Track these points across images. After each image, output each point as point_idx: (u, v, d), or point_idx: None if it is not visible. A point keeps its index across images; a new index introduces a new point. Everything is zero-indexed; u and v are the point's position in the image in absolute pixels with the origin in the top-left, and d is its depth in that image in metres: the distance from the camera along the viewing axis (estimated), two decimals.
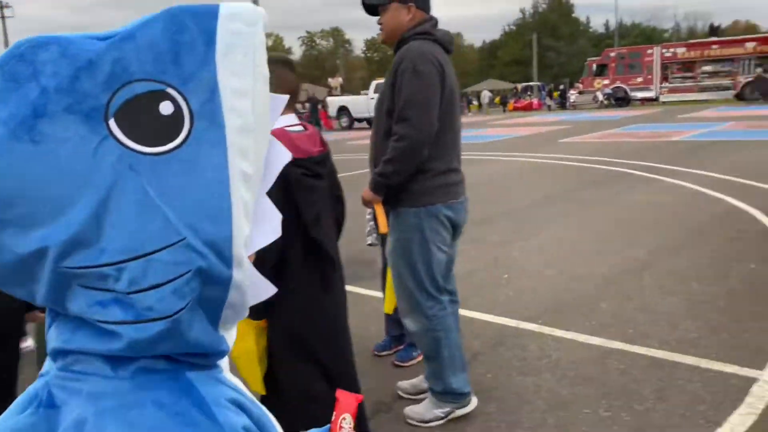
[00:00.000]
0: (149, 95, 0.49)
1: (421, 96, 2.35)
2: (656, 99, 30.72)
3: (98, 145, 0.48)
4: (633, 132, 15.69)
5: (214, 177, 0.51)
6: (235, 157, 0.52)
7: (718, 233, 5.35)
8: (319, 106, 27.92)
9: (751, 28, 65.45)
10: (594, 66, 32.42)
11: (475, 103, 40.72)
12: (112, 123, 0.48)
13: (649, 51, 31.03)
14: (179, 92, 0.50)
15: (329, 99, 28.86)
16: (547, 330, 3.51)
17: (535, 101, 37.98)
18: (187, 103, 0.50)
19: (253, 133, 0.54)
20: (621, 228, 5.78)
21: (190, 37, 0.51)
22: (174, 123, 0.50)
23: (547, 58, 63.33)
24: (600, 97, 31.17)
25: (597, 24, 74.26)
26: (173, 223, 0.49)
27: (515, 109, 37.24)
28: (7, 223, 0.48)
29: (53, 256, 0.48)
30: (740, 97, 27.07)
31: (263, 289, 0.60)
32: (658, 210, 6.44)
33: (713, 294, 3.88)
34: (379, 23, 2.58)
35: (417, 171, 2.42)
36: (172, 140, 0.50)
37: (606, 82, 31.51)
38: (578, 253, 5.07)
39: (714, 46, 29.84)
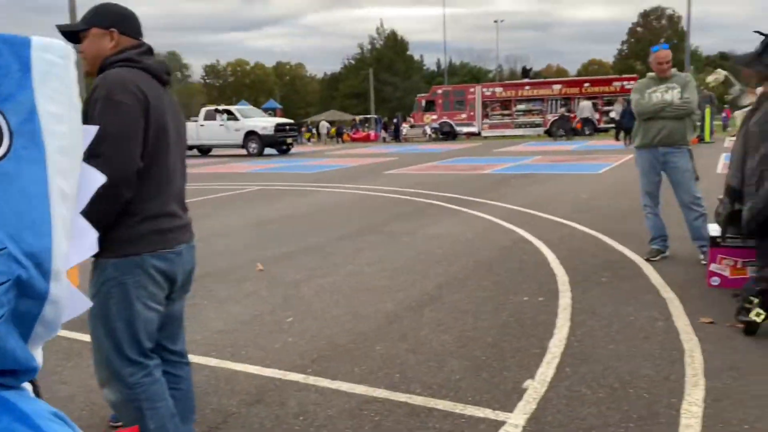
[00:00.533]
0: None
1: (115, 129, 2.00)
2: (479, 134, 33.06)
3: None
4: (452, 165, 16.54)
5: (34, 191, 0.53)
6: (55, 175, 0.56)
7: (503, 265, 5.56)
8: None
9: (561, 72, 73.80)
10: (423, 102, 34.23)
11: (314, 132, 40.95)
12: None
13: (472, 89, 33.47)
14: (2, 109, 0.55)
15: None
16: (312, 380, 3.27)
17: (372, 133, 39.14)
18: (6, 121, 0.53)
19: (70, 156, 0.60)
20: (418, 261, 5.82)
21: (4, 62, 0.54)
22: None
23: (385, 92, 65.94)
24: (428, 131, 32.84)
25: (430, 62, 78.87)
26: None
27: (354, 140, 38.04)
28: None
29: None
30: (549, 134, 30.00)
31: (79, 304, 0.61)
32: (455, 242, 6.61)
33: (484, 329, 3.92)
34: (80, 51, 2.22)
35: (121, 215, 2.06)
36: None
37: (434, 117, 33.34)
38: (370, 289, 4.96)
39: (527, 87, 32.95)
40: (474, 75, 71.10)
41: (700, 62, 58.58)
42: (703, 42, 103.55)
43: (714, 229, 4.62)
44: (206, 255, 5.55)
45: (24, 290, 0.50)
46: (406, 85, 66.72)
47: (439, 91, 34.17)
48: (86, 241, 0.62)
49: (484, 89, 33.29)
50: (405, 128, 35.47)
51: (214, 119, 24.98)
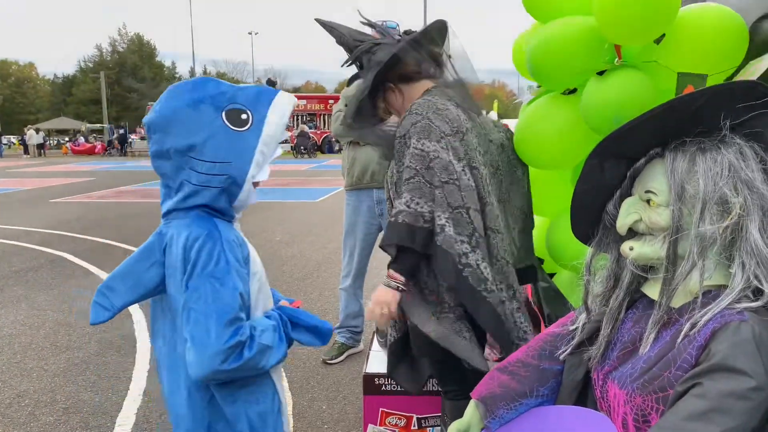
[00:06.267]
0: (237, 110, 1.29)
1: None
2: None
3: (217, 118, 1.28)
4: (149, 189, 13.29)
5: (251, 146, 1.28)
6: (261, 144, 1.29)
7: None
8: None
9: (319, 89, 73.85)
10: None
11: (13, 142, 33.66)
12: (222, 115, 1.28)
13: None
14: (250, 112, 1.29)
15: None
16: None
17: (99, 145, 33.59)
18: (252, 117, 1.29)
19: (272, 140, 1.32)
20: None
21: (263, 97, 1.32)
22: (246, 122, 1.28)
23: (130, 100, 59.28)
24: None
25: (183, 70, 72.62)
26: (230, 154, 1.27)
27: (75, 152, 32.16)
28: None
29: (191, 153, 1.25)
30: (296, 150, 28.24)
31: (252, 198, 1.34)
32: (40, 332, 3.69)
33: None
34: None
35: None
36: (242, 127, 1.28)
37: None
38: None
39: None
40: None
41: None
42: None
43: (378, 358, 2.47)
44: None
45: (233, 182, 1.27)
46: (155, 93, 60.48)
47: None
48: (264, 173, 1.32)
49: None
50: (133, 140, 30.86)
51: None
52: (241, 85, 1.35)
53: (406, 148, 1.72)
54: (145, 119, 1.31)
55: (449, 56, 1.90)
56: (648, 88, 1.66)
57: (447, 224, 1.66)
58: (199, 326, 1.22)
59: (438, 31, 1.87)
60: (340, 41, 1.90)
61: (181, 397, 1.32)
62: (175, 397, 1.34)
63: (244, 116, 1.28)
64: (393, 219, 1.67)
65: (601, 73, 1.73)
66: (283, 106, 1.34)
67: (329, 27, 1.91)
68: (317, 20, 1.93)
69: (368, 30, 1.96)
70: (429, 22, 1.89)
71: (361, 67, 1.86)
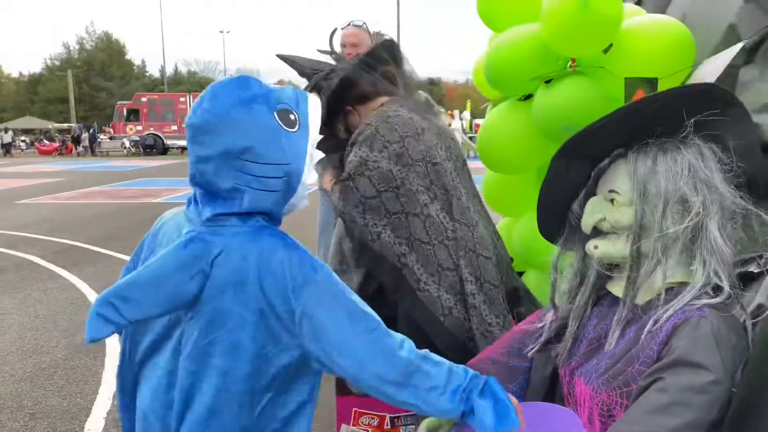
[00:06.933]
0: (287, 110, 1.19)
1: None
2: None
3: (271, 119, 1.17)
4: (121, 190, 13.11)
5: (303, 147, 1.20)
6: (310, 146, 1.23)
7: None
8: None
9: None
10: (125, 111, 29.59)
11: None
12: (275, 115, 1.18)
13: (182, 99, 29.88)
14: (297, 113, 1.20)
15: None
16: None
17: (68, 145, 32.99)
18: (299, 118, 1.21)
19: (315, 142, 1.26)
20: None
21: (301, 98, 1.24)
22: (294, 122, 1.19)
23: (99, 99, 58.27)
24: (127, 144, 28.37)
25: (154, 69, 71.41)
26: (288, 155, 1.17)
27: (42, 152, 31.50)
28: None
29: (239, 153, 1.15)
30: None
31: (304, 201, 1.26)
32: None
33: None
34: None
35: None
36: (293, 128, 1.19)
37: (140, 128, 28.98)
38: None
39: None
40: (202, 85, 66.69)
41: None
42: None
43: None
44: None
45: (289, 181, 1.18)
46: (124, 91, 59.58)
47: (144, 99, 29.84)
48: (313, 176, 1.25)
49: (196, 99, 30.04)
50: (102, 139, 30.38)
51: None
52: (281, 87, 1.30)
53: (350, 155, 1.84)
54: (188, 121, 1.20)
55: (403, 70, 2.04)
56: (595, 94, 1.71)
57: (383, 231, 1.76)
58: (345, 334, 1.14)
59: (387, 50, 1.95)
60: (302, 73, 2.00)
61: (227, 416, 1.16)
62: (204, 418, 1.17)
63: (292, 117, 1.21)
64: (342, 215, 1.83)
65: (548, 82, 1.77)
66: (317, 107, 1.30)
67: (290, 61, 2.01)
68: (278, 56, 2.04)
69: (326, 58, 2.13)
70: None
71: (320, 93, 1.96)
